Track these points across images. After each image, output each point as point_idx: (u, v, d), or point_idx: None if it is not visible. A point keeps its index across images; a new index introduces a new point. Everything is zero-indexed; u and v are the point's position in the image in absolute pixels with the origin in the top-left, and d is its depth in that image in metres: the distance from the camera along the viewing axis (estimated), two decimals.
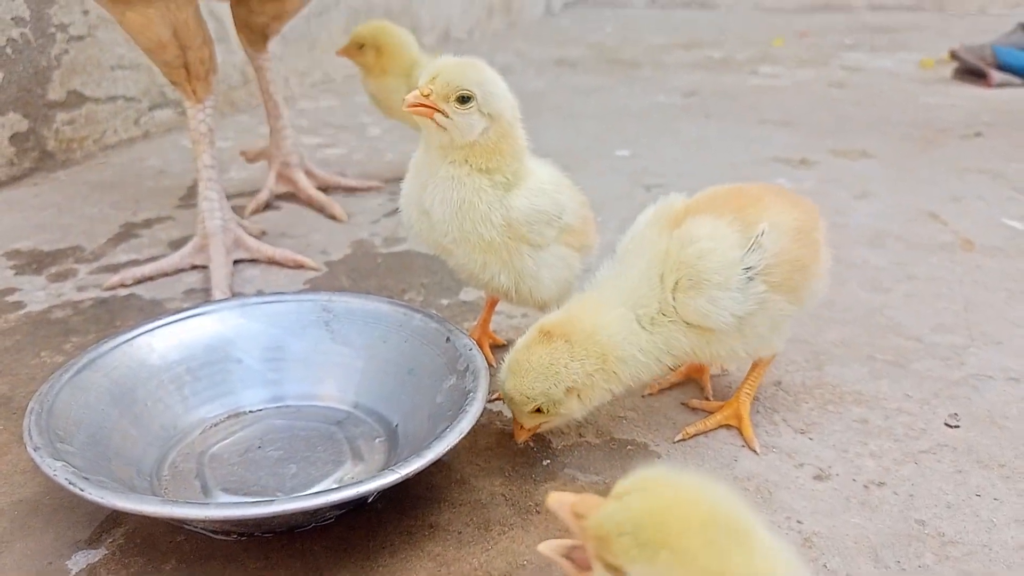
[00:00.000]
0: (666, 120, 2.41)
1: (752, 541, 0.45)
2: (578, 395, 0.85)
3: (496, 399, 1.02)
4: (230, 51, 2.43)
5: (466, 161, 0.92)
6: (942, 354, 1.11)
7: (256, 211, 1.68)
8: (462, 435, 0.79)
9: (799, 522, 0.81)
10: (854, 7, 4.54)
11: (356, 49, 1.69)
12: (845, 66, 3.12)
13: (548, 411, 0.85)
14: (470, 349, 0.94)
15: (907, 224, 1.56)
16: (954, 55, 2.92)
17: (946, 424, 0.96)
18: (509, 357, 0.86)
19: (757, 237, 0.85)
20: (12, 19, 1.82)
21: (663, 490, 0.47)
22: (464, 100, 0.89)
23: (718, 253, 0.85)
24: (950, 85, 2.78)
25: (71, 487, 0.71)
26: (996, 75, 2.74)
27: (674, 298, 0.85)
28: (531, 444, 0.94)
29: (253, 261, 1.44)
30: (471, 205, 0.92)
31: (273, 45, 1.70)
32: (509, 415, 0.99)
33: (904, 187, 1.77)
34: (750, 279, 0.85)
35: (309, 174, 1.74)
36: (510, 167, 0.93)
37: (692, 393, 1.04)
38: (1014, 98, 2.55)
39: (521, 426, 0.89)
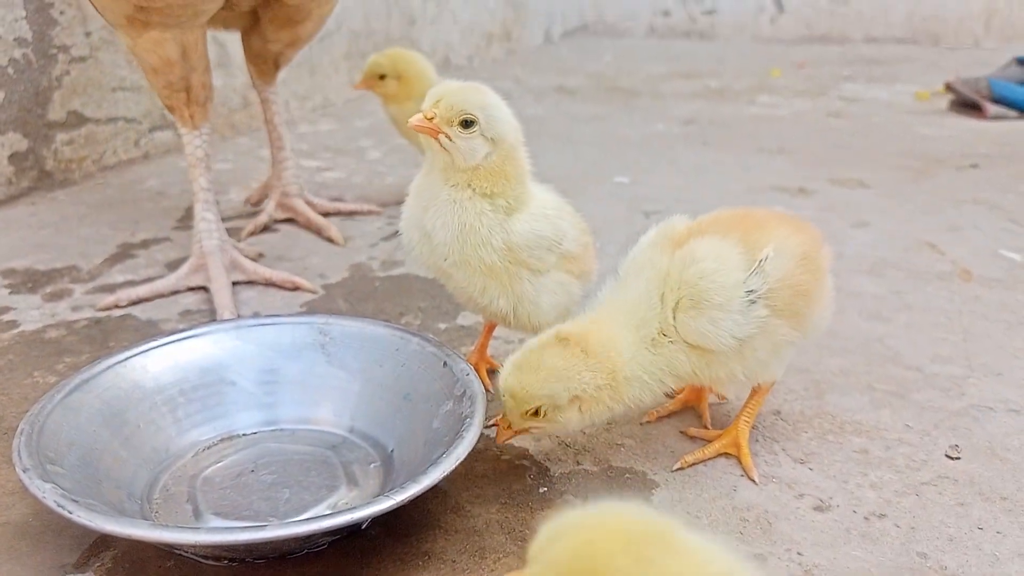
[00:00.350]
0: (664, 148, 2.42)
1: (678, 543, 0.45)
2: (580, 406, 0.84)
3: (492, 425, 1.01)
4: (230, 75, 2.44)
5: (468, 184, 0.92)
6: (942, 385, 1.10)
7: (253, 233, 1.68)
8: (459, 461, 0.78)
9: (799, 554, 0.80)
10: (850, 39, 4.59)
11: (376, 80, 1.70)
12: (842, 97, 3.14)
13: (545, 415, 0.84)
14: (467, 374, 0.93)
15: (905, 253, 1.56)
16: (950, 87, 2.94)
17: (947, 456, 0.95)
18: (518, 355, 0.84)
19: (761, 261, 0.85)
20: (14, 39, 1.83)
21: (575, 532, 0.46)
22: (467, 124, 0.89)
23: (721, 274, 0.84)
24: (946, 117, 2.80)
25: (60, 509, 0.70)
26: (991, 108, 2.76)
27: (675, 318, 0.85)
28: (527, 471, 0.93)
29: (250, 283, 1.43)
30: (472, 229, 0.91)
31: (281, 75, 1.71)
32: (508, 441, 0.98)
33: (902, 216, 1.78)
34: (752, 302, 0.84)
35: (309, 203, 1.74)
36: (513, 191, 0.93)
37: (690, 421, 1.03)
38: (1010, 130, 2.57)
39: (508, 426, 0.87)
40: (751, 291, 0.84)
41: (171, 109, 1.37)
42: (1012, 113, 2.75)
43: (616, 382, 0.84)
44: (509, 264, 0.93)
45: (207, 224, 1.40)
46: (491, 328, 1.13)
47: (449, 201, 0.92)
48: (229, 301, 1.31)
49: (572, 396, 0.83)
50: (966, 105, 2.86)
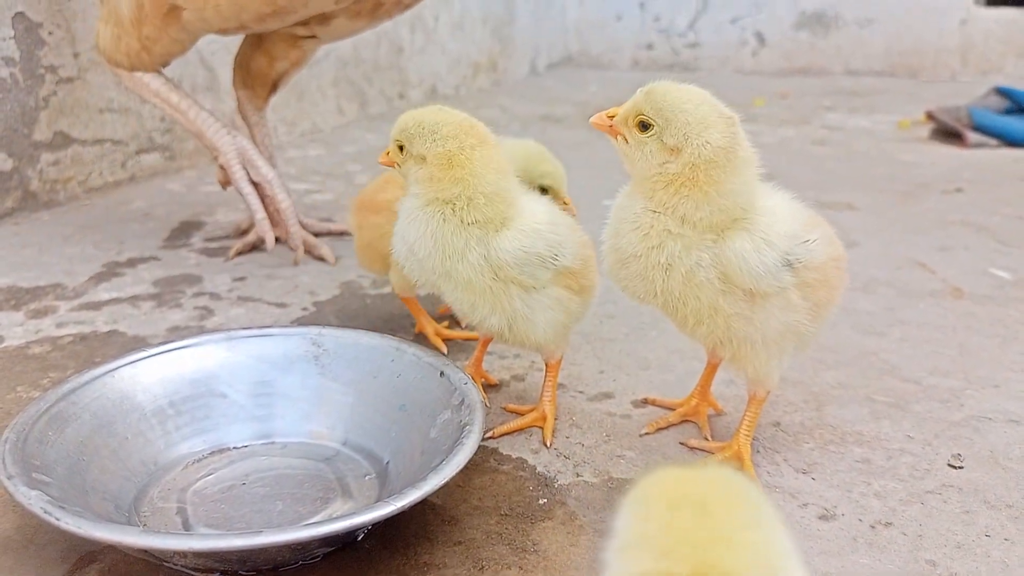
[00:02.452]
0: None
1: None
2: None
3: (490, 437, 0.99)
4: (219, 99, 2.44)
5: (443, 201, 0.91)
6: (941, 396, 1.10)
7: (241, 252, 1.66)
8: (459, 467, 0.77)
9: (807, 563, 0.78)
10: (830, 72, 4.67)
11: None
12: (825, 125, 3.18)
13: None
14: (465, 383, 0.91)
15: (896, 272, 1.57)
16: (931, 116, 2.99)
17: (950, 465, 0.94)
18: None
19: (810, 240, 0.85)
20: (2, 59, 1.81)
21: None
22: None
23: (785, 222, 0.84)
24: (928, 145, 2.83)
25: (46, 516, 0.68)
26: (972, 136, 2.80)
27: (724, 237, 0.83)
28: (527, 483, 0.91)
29: (240, 300, 1.42)
30: (447, 242, 0.91)
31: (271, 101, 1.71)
32: (505, 453, 0.97)
33: (890, 238, 1.79)
34: (788, 263, 0.83)
35: (300, 224, 1.73)
36: (493, 210, 0.92)
37: (690, 434, 1.02)
38: (991, 158, 2.61)
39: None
40: (791, 256, 0.83)
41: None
42: (992, 141, 2.79)
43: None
44: (493, 281, 0.92)
45: (203, 117, 1.53)
46: (486, 342, 1.12)
47: (425, 215, 0.92)
48: (261, 160, 1.53)
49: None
50: (947, 134, 2.91)
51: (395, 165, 0.97)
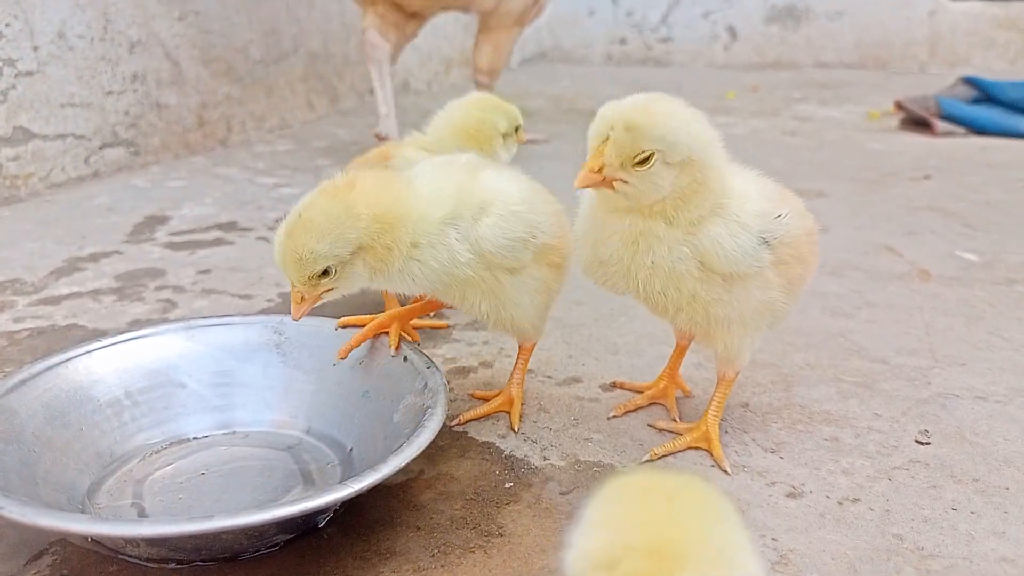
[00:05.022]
0: None
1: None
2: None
3: (456, 424, 0.98)
4: (184, 94, 2.40)
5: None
6: (908, 375, 1.10)
7: None
8: (420, 449, 0.75)
9: (774, 539, 0.78)
10: (801, 65, 4.69)
11: None
12: (796, 117, 3.19)
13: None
14: (428, 367, 0.90)
15: (865, 256, 1.57)
16: (900, 106, 3.01)
17: (917, 441, 0.94)
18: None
19: (783, 215, 0.84)
20: None
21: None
22: None
23: (755, 200, 0.83)
24: (897, 134, 2.85)
25: None
26: (940, 125, 2.82)
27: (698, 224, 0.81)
28: (493, 466, 0.90)
29: (204, 292, 1.39)
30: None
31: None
32: (472, 438, 0.95)
33: (860, 223, 1.79)
34: (765, 242, 0.82)
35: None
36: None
37: (659, 415, 1.01)
38: (959, 145, 2.63)
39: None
40: (766, 234, 0.82)
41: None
42: (960, 130, 2.81)
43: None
44: (484, 271, 0.89)
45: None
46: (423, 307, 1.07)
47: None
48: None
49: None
50: (916, 123, 2.93)
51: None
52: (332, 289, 0.84)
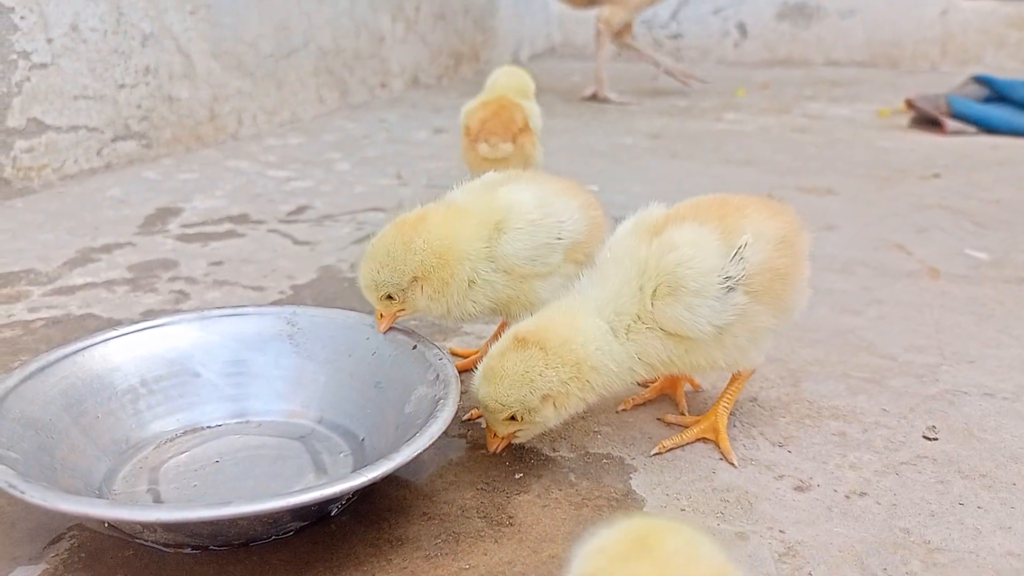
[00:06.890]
0: (632, 159, 2.43)
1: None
2: (553, 403, 0.83)
3: (469, 419, 0.99)
4: (195, 87, 2.42)
5: None
6: (916, 372, 1.10)
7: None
8: (432, 439, 0.76)
9: (782, 531, 0.79)
10: (811, 63, 4.68)
11: None
12: (806, 114, 3.19)
13: (523, 419, 0.83)
14: (440, 358, 0.91)
15: (874, 253, 1.57)
16: (910, 104, 3.00)
17: (924, 437, 0.94)
18: (483, 364, 0.84)
19: (740, 248, 0.84)
20: None
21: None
22: None
23: (697, 260, 0.83)
24: (907, 132, 2.85)
25: (11, 490, 0.66)
26: (951, 123, 2.81)
27: (652, 305, 0.84)
28: (503, 457, 0.91)
29: (216, 283, 1.40)
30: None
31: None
32: (480, 428, 0.96)
33: (869, 220, 1.80)
34: (730, 289, 0.83)
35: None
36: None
37: (667, 409, 1.02)
38: (969, 144, 2.62)
39: (495, 434, 0.86)
40: (729, 277, 0.83)
41: None
42: (971, 129, 2.81)
43: (582, 373, 0.83)
44: (519, 282, 0.94)
45: None
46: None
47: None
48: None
49: (542, 396, 0.82)
50: (926, 121, 2.92)
51: None
52: (403, 310, 0.94)
